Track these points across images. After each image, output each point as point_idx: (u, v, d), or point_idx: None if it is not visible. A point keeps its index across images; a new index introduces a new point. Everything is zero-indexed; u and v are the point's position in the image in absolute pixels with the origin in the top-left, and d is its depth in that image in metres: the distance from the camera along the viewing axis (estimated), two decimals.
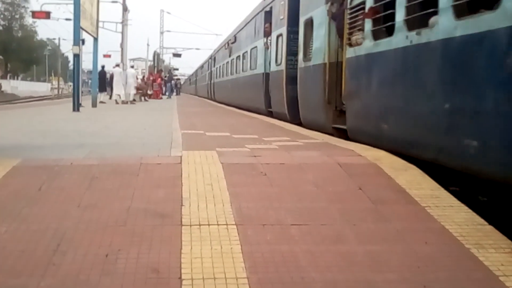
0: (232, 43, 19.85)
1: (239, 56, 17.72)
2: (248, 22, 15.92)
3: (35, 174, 4.25)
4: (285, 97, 10.20)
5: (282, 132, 7.83)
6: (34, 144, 6.11)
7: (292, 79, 9.74)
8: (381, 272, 2.78)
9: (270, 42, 12.01)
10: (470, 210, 3.69)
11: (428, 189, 4.12)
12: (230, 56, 20.35)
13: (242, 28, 17.32)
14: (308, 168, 4.61)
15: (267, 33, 12.46)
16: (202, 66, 41.13)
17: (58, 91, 50.89)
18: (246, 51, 15.92)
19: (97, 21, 17.70)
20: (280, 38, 11.00)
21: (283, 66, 10.41)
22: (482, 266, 2.88)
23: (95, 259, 2.81)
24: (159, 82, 30.15)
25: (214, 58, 28.67)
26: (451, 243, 3.18)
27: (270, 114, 12.25)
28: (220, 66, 24.76)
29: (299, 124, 9.30)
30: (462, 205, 3.79)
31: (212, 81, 29.51)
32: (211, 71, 29.95)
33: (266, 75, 12.44)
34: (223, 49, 23.45)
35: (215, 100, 27.14)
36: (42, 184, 4.01)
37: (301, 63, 9.02)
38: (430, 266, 2.87)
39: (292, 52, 9.98)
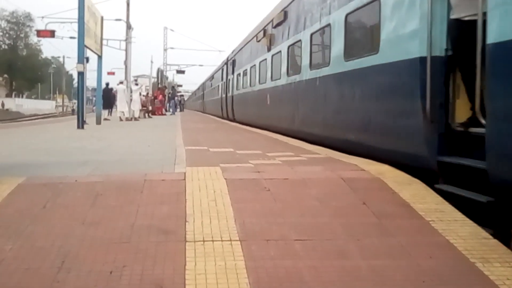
0: (277, 25, 11.69)
1: (298, 42, 9.63)
2: None
3: (40, 192, 4.27)
4: None
5: (285, 148, 7.84)
6: (39, 161, 6.14)
7: None
8: (385, 287, 2.77)
9: None
10: (474, 224, 3.68)
11: (432, 203, 4.11)
12: (270, 50, 12.53)
13: None
14: (312, 183, 4.61)
15: None
16: (212, 77, 33.05)
17: (63, 109, 51.30)
18: (328, 26, 7.79)
19: (101, 39, 17.90)
20: None
21: None
22: (487, 281, 2.86)
23: (100, 276, 2.82)
24: (160, 98, 30.08)
25: (233, 61, 20.75)
26: (455, 257, 3.16)
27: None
28: (245, 71, 16.92)
29: None
30: (467, 219, 3.78)
31: (229, 94, 21.57)
32: (228, 81, 22.27)
33: (442, 63, 4.71)
34: (251, 45, 15.85)
35: (233, 120, 19.90)
36: (47, 201, 4.03)
37: None
38: (435, 280, 2.85)
39: None
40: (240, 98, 18.08)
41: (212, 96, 31.16)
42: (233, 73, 20.52)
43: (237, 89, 18.98)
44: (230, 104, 20.83)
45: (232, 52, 21.75)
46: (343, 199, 4.24)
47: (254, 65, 14.89)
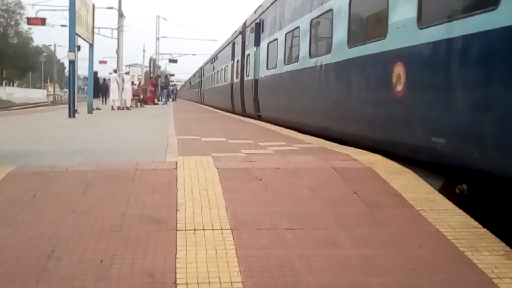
0: None
1: None
2: None
3: (30, 181, 4.24)
4: None
5: (277, 137, 7.84)
6: (30, 150, 6.09)
7: None
8: (375, 276, 2.79)
9: None
10: (464, 213, 3.71)
11: (423, 192, 4.13)
12: None
13: None
14: (303, 173, 4.62)
15: None
16: (215, 58, 25.40)
17: (54, 98, 50.82)
18: None
19: (93, 27, 17.70)
20: None
21: None
22: (476, 269, 2.89)
23: (90, 264, 2.81)
24: (150, 88, 29.72)
25: (258, 26, 13.36)
26: (445, 246, 3.19)
27: None
28: (292, 33, 9.80)
29: None
30: (457, 208, 3.81)
31: (248, 78, 14.56)
32: (245, 58, 15.20)
33: None
34: None
35: (257, 117, 13.25)
36: (37, 190, 4.01)
37: None
38: (425, 269, 2.88)
39: None
40: (276, 83, 11.05)
41: (215, 82, 24.02)
42: (257, 44, 13.30)
43: (268, 67, 11.95)
44: (251, 93, 13.70)
45: (255, 12, 14.16)
46: (335, 188, 4.25)
47: (330, 10, 7.41)
